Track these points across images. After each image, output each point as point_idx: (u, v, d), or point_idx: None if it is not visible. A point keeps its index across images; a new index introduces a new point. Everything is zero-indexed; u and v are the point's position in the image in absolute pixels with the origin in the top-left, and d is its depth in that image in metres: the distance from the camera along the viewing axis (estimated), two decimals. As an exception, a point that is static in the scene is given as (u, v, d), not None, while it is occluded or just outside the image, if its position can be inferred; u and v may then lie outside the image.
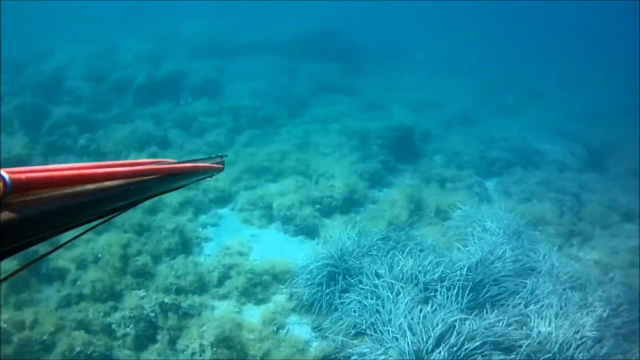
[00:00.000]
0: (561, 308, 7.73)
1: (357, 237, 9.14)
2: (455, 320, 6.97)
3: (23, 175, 0.78)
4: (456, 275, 8.07)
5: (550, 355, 6.83)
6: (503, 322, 7.21)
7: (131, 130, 13.88)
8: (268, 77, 20.28)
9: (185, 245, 9.24)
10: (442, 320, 6.94)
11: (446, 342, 6.70)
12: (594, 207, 12.39)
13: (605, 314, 7.65)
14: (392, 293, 7.78)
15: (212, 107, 16.40)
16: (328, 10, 31.65)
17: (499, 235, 9.56)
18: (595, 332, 7.21)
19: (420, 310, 7.25)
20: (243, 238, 9.86)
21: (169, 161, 1.41)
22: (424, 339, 6.74)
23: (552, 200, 12.37)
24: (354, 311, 7.74)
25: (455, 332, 6.79)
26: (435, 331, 6.80)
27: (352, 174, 12.57)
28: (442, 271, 8.16)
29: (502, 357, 6.67)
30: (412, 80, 22.00)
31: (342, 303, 7.97)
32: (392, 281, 8.01)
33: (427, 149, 15.15)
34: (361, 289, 8.03)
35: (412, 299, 7.58)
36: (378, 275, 8.25)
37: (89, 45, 20.87)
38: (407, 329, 6.90)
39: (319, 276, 8.28)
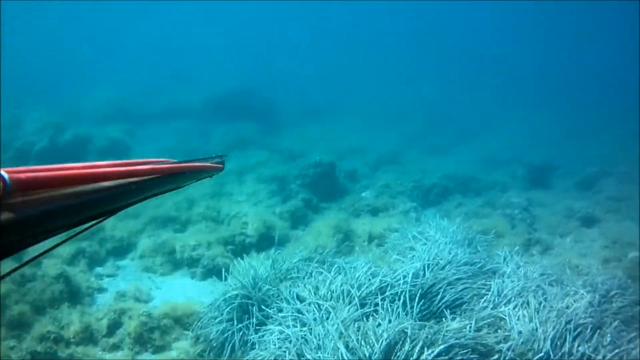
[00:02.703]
0: (540, 303, 6.14)
1: (273, 262, 7.44)
2: (406, 328, 5.19)
3: (23, 175, 0.80)
4: (399, 283, 6.40)
5: (543, 354, 5.14)
6: (470, 327, 5.51)
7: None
8: (179, 139, 19.34)
9: (74, 295, 7.94)
10: (388, 330, 5.15)
11: (397, 354, 4.87)
12: (548, 217, 11.31)
13: (595, 300, 6.13)
14: (320, 314, 5.96)
15: (117, 166, 14.79)
16: (241, 71, 31.54)
17: (447, 243, 8.05)
18: (590, 319, 5.62)
19: (359, 329, 5.43)
20: (143, 285, 8.58)
21: (169, 161, 1.43)
22: (367, 355, 4.88)
23: (501, 215, 11.19)
24: (274, 343, 5.83)
25: (408, 340, 4.99)
26: (380, 343, 4.98)
27: (270, 215, 11.05)
28: (382, 281, 6.49)
29: (476, 362, 4.89)
30: (336, 132, 21.15)
31: (259, 338, 6.16)
32: (318, 302, 6.22)
33: (353, 187, 13.87)
34: (282, 317, 6.20)
35: (344, 320, 5.74)
36: (301, 299, 6.48)
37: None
38: (343, 349, 5.04)
39: (227, 309, 6.66)
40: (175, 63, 37.35)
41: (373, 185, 13.85)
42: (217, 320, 6.71)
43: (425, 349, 4.85)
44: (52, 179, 0.87)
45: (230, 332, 6.50)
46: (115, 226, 10.08)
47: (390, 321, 5.39)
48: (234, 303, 6.72)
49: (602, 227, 10.76)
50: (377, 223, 10.39)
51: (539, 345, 5.31)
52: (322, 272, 6.99)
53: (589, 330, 5.48)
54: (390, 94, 29.45)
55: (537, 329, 5.52)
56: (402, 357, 4.79)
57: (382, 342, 4.98)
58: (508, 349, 5.22)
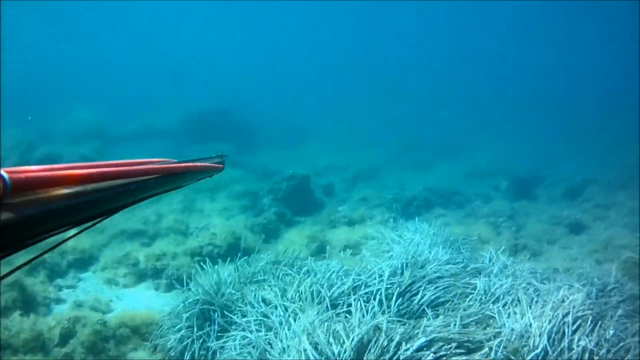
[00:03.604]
0: (532, 300, 5.53)
1: (237, 266, 6.90)
2: (381, 323, 4.52)
3: (23, 175, 0.80)
4: (374, 282, 5.77)
5: (539, 350, 4.49)
6: (455, 324, 4.87)
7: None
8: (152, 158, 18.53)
9: (28, 304, 7.41)
10: (360, 326, 4.48)
11: (371, 350, 4.19)
12: (535, 225, 10.77)
13: (592, 293, 5.54)
14: (286, 317, 5.30)
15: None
16: (219, 92, 31.19)
17: (426, 244, 7.45)
18: (589, 312, 5.01)
19: (328, 328, 4.74)
20: (103, 296, 8.13)
21: (169, 161, 1.45)
22: (336, 353, 4.19)
23: (485, 223, 10.64)
24: (236, 349, 5.19)
25: (383, 335, 4.32)
26: (351, 339, 4.30)
27: (241, 228, 10.47)
28: (355, 280, 5.85)
29: (464, 358, 4.22)
30: (314, 152, 20.53)
31: (223, 344, 5.58)
32: (285, 304, 5.57)
33: (330, 201, 13.21)
34: (246, 322, 5.52)
35: (312, 322, 5.05)
36: (267, 302, 5.83)
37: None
38: (309, 347, 4.35)
39: (187, 315, 6.09)
40: (151, 83, 36.98)
41: (350, 198, 13.26)
42: (176, 327, 6.08)
43: (403, 343, 4.18)
44: (52, 179, 0.87)
45: (189, 339, 5.91)
46: (79, 238, 9.33)
47: (363, 316, 4.72)
48: (194, 309, 6.10)
49: (590, 233, 10.24)
50: (354, 232, 9.79)
51: (534, 342, 4.67)
52: (290, 274, 6.35)
53: (589, 324, 4.86)
54: (370, 115, 29.14)
55: (531, 325, 4.90)
56: (377, 353, 4.10)
57: (353, 338, 4.30)
58: (499, 346, 4.57)
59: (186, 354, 5.80)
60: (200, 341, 5.86)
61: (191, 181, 1.59)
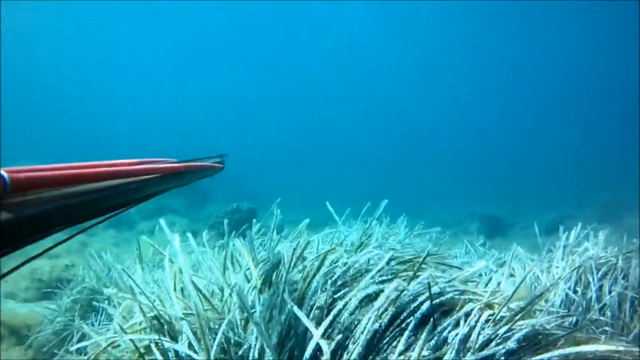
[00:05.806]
0: (524, 268, 4.13)
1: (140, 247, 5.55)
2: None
3: (23, 175, 0.78)
4: (314, 253, 4.27)
5: (561, 300, 3.02)
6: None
7: None
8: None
9: None
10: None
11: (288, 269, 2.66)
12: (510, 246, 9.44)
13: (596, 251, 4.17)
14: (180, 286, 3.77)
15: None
16: (172, 147, 30.01)
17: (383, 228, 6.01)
18: (614, 259, 3.59)
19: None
20: None
21: (169, 160, 1.49)
22: (231, 282, 2.65)
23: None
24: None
25: (313, 255, 2.88)
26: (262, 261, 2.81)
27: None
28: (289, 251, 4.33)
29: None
30: (267, 208, 19.27)
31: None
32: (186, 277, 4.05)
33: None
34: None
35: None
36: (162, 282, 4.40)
37: None
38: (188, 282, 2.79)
39: (70, 301, 5.59)
40: (99, 136, 35.80)
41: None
42: (55, 320, 5.51)
43: (344, 257, 2.72)
44: (52, 178, 0.85)
45: (68, 332, 5.30)
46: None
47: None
48: (79, 297, 5.59)
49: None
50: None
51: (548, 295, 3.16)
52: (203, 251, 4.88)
53: (619, 271, 3.39)
54: (321, 177, 28.34)
55: (538, 278, 3.42)
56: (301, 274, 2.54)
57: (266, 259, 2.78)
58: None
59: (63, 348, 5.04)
60: (80, 334, 4.94)
61: (192, 181, 1.58)
